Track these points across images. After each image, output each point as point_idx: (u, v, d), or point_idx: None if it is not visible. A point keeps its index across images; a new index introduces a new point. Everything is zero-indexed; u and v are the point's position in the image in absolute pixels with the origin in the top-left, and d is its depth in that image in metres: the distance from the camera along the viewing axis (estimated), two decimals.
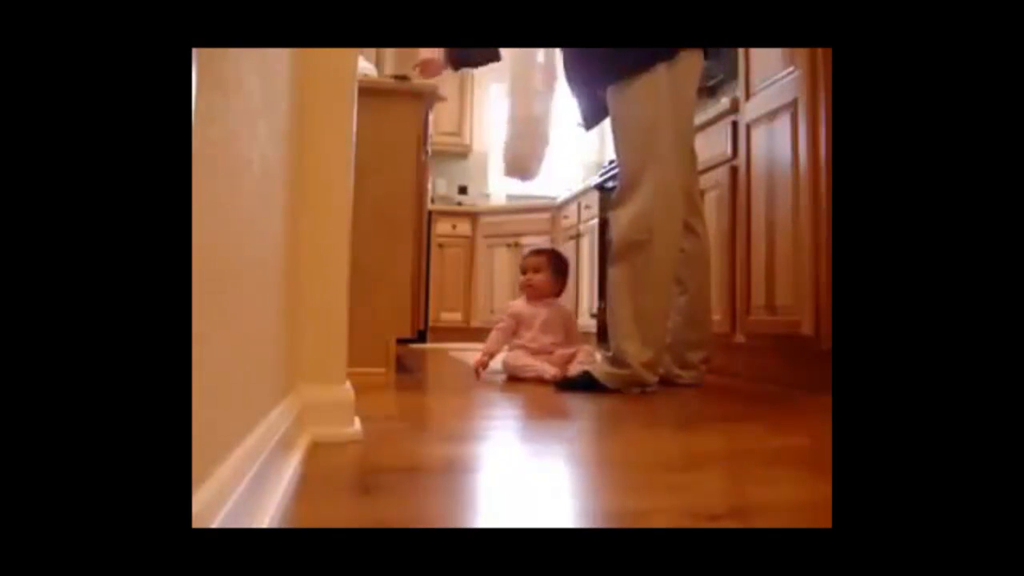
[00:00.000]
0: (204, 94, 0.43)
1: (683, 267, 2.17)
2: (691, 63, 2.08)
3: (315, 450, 1.05)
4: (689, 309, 2.23)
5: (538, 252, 2.69)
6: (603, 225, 4.13)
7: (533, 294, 2.54)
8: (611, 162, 4.31)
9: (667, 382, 2.18)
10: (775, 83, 2.34)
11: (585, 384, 2.03)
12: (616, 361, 2.01)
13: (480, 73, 5.74)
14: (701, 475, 1.04)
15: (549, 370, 2.32)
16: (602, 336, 3.99)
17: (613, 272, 2.08)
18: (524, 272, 2.58)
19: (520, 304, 2.57)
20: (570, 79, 2.26)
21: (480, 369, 2.43)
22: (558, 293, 2.60)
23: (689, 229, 2.19)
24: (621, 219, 2.08)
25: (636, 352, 1.98)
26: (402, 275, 2.54)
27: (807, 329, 2.09)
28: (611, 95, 2.11)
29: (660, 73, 2.03)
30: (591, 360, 2.45)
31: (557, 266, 2.59)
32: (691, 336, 2.23)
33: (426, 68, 2.48)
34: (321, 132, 1.17)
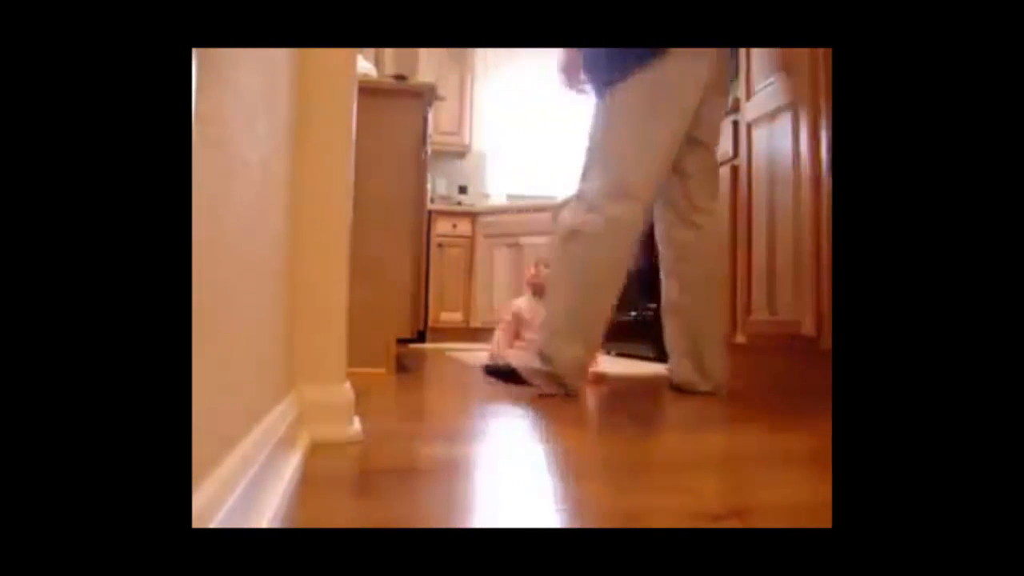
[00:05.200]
0: (204, 94, 0.43)
1: (681, 263, 2.11)
2: (679, 67, 1.93)
3: (315, 450, 1.05)
4: (695, 308, 2.11)
5: None
6: None
7: (540, 288, 2.54)
8: None
9: (683, 391, 2.05)
10: (775, 83, 2.34)
11: (507, 374, 1.94)
12: (543, 357, 1.89)
13: (480, 73, 5.74)
14: (702, 475, 1.04)
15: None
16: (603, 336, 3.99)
17: (554, 262, 2.00)
18: (536, 265, 2.59)
19: (521, 302, 2.57)
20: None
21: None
22: None
23: (688, 223, 2.11)
24: (564, 213, 2.01)
25: (565, 350, 1.87)
26: (402, 275, 2.55)
27: (808, 329, 2.09)
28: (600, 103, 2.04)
29: (637, 81, 1.92)
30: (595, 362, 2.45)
31: None
32: (705, 336, 2.10)
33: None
34: (321, 132, 1.17)
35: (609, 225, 1.91)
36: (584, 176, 2.00)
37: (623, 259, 1.95)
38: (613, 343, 3.68)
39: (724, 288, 2.33)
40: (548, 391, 1.87)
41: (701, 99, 1.99)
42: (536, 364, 1.89)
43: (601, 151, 1.98)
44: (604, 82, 2.01)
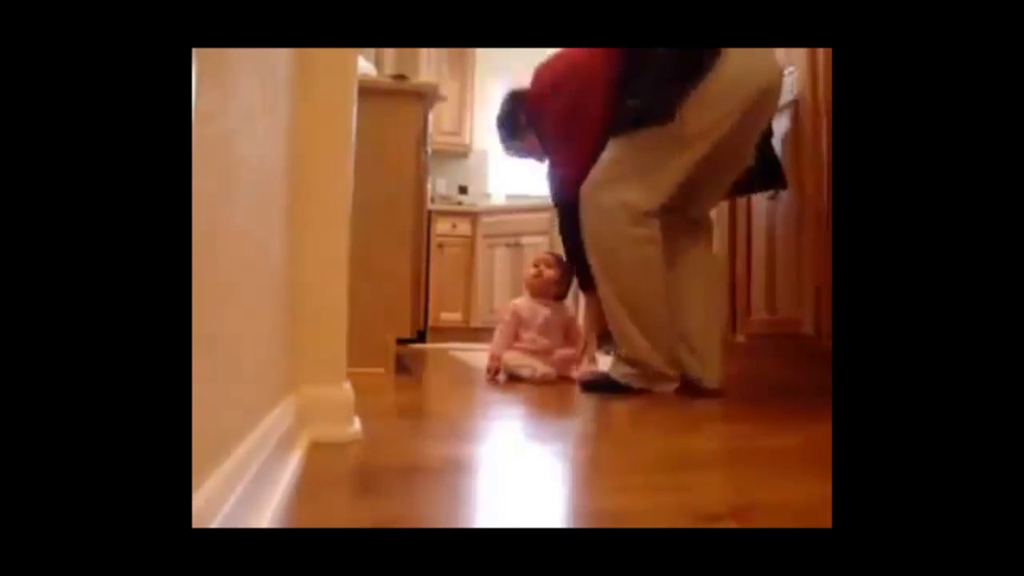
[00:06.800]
0: (204, 94, 0.43)
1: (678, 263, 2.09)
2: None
3: (315, 450, 1.05)
4: (687, 308, 2.09)
5: (552, 254, 2.76)
6: None
7: (539, 288, 2.53)
8: None
9: (691, 386, 2.03)
10: None
11: (606, 387, 2.01)
12: (631, 362, 1.99)
13: (480, 72, 5.74)
14: (701, 475, 1.04)
15: (540, 368, 2.32)
16: (603, 337, 3.99)
17: (603, 277, 2.04)
18: (536, 265, 2.58)
19: (521, 302, 2.56)
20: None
21: (494, 374, 2.36)
22: (561, 296, 2.60)
23: (688, 220, 2.10)
24: (602, 227, 2.02)
25: (646, 351, 1.96)
26: (402, 275, 2.54)
27: (808, 329, 2.09)
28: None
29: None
30: (593, 362, 2.45)
31: (567, 271, 2.59)
32: (703, 330, 2.08)
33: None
34: (321, 132, 1.17)
35: (648, 239, 1.97)
36: (616, 184, 1.98)
37: (643, 263, 1.98)
38: (612, 343, 3.68)
39: (723, 287, 2.37)
40: (654, 390, 1.97)
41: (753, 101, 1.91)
42: (629, 369, 2.00)
43: (635, 165, 1.97)
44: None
